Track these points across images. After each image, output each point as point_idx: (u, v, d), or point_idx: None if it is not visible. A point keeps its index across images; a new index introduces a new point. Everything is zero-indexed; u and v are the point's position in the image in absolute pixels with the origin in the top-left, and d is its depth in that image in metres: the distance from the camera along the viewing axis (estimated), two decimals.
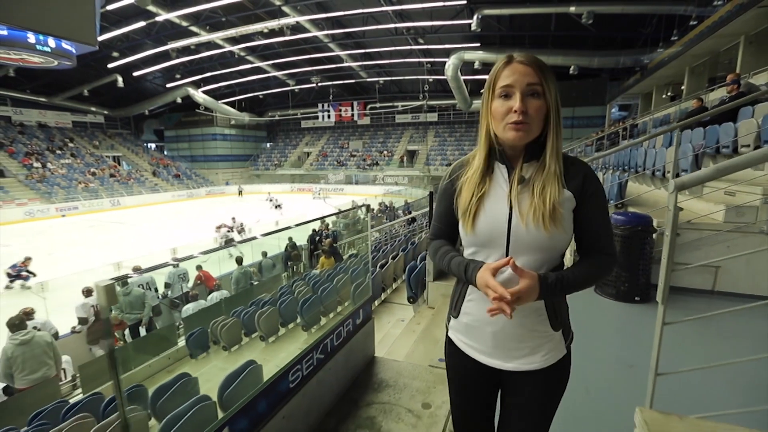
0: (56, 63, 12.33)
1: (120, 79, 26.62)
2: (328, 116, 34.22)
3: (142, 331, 4.91)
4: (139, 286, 5.41)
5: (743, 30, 9.03)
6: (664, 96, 16.04)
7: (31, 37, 11.69)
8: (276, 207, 16.97)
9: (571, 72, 19.67)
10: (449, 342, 1.05)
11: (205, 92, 31.04)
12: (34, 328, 3.69)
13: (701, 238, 2.57)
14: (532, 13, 16.10)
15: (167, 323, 5.51)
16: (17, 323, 3.45)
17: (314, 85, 29.68)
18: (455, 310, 1.01)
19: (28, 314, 4.04)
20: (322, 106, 33.92)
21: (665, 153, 3.93)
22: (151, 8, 17.69)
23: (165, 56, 24.07)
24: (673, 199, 1.11)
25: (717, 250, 2.51)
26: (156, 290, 5.95)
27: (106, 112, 34.24)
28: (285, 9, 18.45)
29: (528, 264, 0.87)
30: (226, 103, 33.24)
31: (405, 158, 32.29)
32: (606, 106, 23.39)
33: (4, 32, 11.11)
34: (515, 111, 0.83)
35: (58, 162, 27.14)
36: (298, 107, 36.02)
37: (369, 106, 33.51)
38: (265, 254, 7.80)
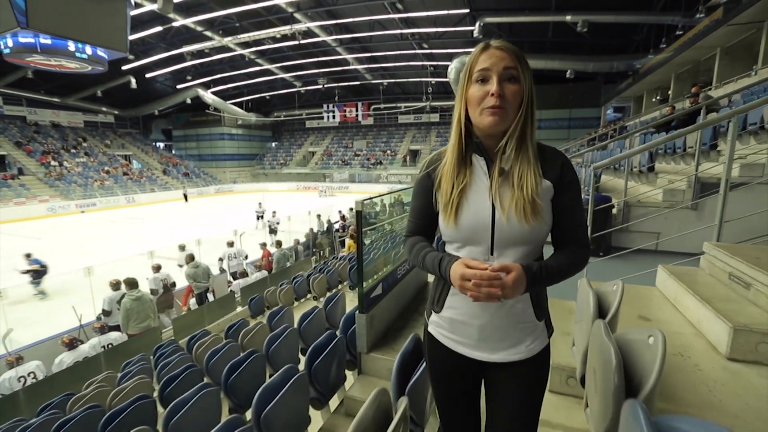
0: (90, 68, 13.33)
1: (133, 80, 27.56)
2: (333, 117, 35.21)
3: (211, 297, 5.93)
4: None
5: (719, 43, 10.08)
6: (653, 99, 17.10)
7: (71, 45, 12.63)
8: (258, 218, 14.78)
9: (567, 76, 20.71)
10: (429, 337, 1.03)
11: (214, 93, 32.02)
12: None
13: (647, 212, 3.62)
14: (531, 21, 17.14)
15: (223, 293, 6.53)
16: (132, 283, 4.48)
17: (321, 86, 30.68)
18: (437, 305, 0.99)
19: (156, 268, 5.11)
20: (328, 106, 34.92)
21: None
22: (171, 14, 18.67)
23: (177, 59, 25.05)
24: (591, 174, 2.12)
25: (658, 220, 3.55)
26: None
27: (116, 112, 35.15)
28: (297, 15, 19.45)
29: (512, 257, 0.87)
30: (233, 104, 34.22)
31: (408, 158, 33.31)
32: (601, 108, 24.44)
33: (48, 41, 12.05)
34: (492, 94, 0.82)
35: (73, 161, 28.10)
36: (304, 108, 37.02)
37: (373, 107, 34.52)
38: (296, 241, 8.82)
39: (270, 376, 2.07)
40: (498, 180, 0.87)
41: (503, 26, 19.09)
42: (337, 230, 10.11)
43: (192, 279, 5.68)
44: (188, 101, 31.67)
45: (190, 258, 6.17)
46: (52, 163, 26.48)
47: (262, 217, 15.09)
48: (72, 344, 4.49)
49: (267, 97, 36.50)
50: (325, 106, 35.11)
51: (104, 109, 34.12)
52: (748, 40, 9.38)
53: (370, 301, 2.36)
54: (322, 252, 8.93)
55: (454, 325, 0.96)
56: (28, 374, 4.18)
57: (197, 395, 1.85)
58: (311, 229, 10.15)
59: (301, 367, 1.78)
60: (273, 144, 42.52)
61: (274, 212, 11.12)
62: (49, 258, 11.44)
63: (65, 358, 4.38)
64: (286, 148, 40.63)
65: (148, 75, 28.36)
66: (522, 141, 0.85)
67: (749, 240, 2.47)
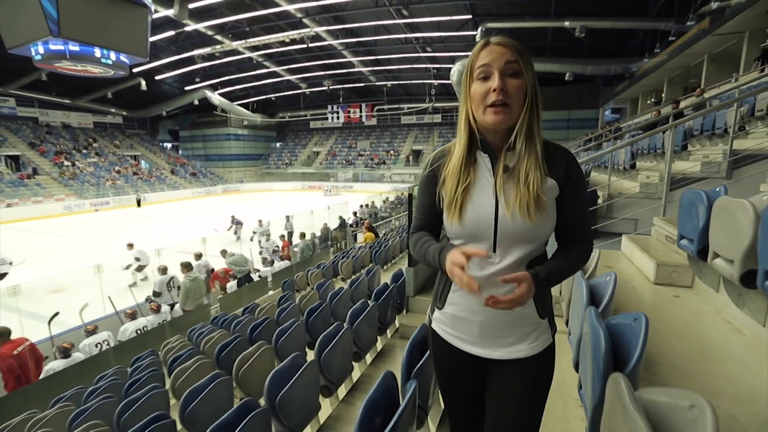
0: (113, 73, 14.05)
1: (143, 82, 28.31)
2: (338, 117, 35.95)
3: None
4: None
5: (706, 50, 10.82)
6: (648, 101, 17.83)
7: (97, 52, 13.39)
8: (235, 227, 13.32)
9: (566, 78, 21.44)
10: (433, 333, 1.05)
11: (221, 95, 32.78)
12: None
13: (627, 202, 4.35)
14: (531, 26, 17.88)
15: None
16: (188, 265, 5.22)
17: (326, 88, 31.43)
18: (440, 301, 1.00)
19: (198, 256, 5.88)
20: (332, 107, 35.66)
21: (619, 152, 5.71)
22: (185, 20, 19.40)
23: (187, 61, 25.82)
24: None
25: (636, 208, 4.29)
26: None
27: (125, 113, 35.89)
28: (305, 21, 20.20)
29: (515, 254, 0.87)
30: (240, 105, 34.99)
31: (411, 157, 34.07)
32: (599, 109, 25.18)
33: (76, 48, 12.80)
34: (494, 90, 0.81)
35: (85, 161, 28.85)
36: (309, 109, 37.78)
37: (376, 108, 35.28)
38: (314, 235, 9.56)
39: (326, 328, 2.78)
40: (502, 177, 0.86)
41: (504, 31, 19.80)
42: (351, 225, 10.88)
43: (234, 265, 6.44)
44: (196, 102, 32.44)
45: (224, 253, 7.12)
46: (65, 163, 27.24)
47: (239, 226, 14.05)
48: (134, 316, 5.25)
49: (272, 98, 37.25)
50: (329, 107, 35.87)
51: (113, 110, 34.86)
52: (732, 49, 10.11)
53: (414, 260, 3.08)
54: (338, 244, 9.68)
55: (456, 321, 0.97)
56: (103, 341, 4.93)
57: (210, 384, 1.93)
58: (325, 224, 10.91)
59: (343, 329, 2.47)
60: (278, 144, 43.29)
61: (260, 220, 11.85)
62: (77, 253, 12.21)
63: (129, 327, 5.14)
64: (290, 148, 41.39)
65: (157, 77, 29.10)
66: (529, 137, 0.85)
67: None
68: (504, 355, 0.93)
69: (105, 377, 3.67)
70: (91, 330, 4.92)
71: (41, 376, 3.75)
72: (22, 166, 26.20)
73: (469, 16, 18.26)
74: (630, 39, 18.71)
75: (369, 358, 2.41)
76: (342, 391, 2.09)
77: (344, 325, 2.06)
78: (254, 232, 12.23)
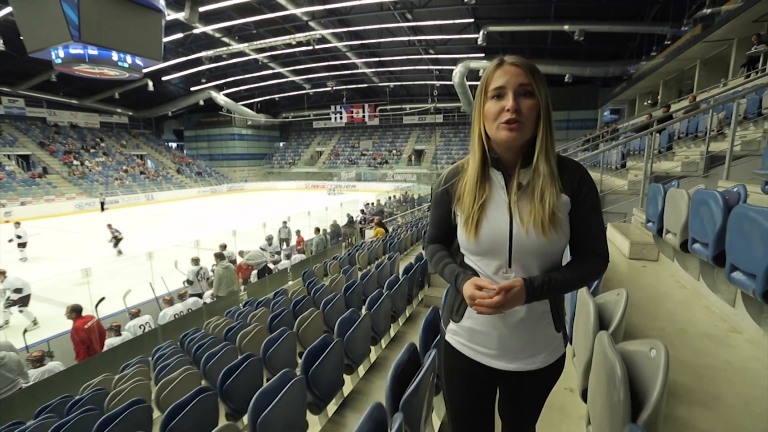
0: (128, 75, 14.58)
1: (150, 83, 28.85)
2: (341, 117, 36.46)
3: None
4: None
5: (698, 56, 11.35)
6: (645, 103, 18.36)
7: (115, 55, 13.93)
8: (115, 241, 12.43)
9: (566, 80, 21.98)
10: (447, 346, 1.05)
11: (226, 95, 33.33)
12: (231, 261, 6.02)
13: (617, 197, 4.90)
14: (531, 30, 18.41)
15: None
16: (221, 255, 5.77)
17: (329, 89, 31.97)
18: (457, 314, 1.02)
19: (223, 247, 6.43)
20: (335, 108, 36.18)
21: (611, 152, 6.26)
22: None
23: (194, 62, 26.35)
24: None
25: (624, 202, 4.83)
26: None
27: (130, 113, 36.41)
28: (311, 24, 20.72)
29: (531, 270, 0.89)
30: (244, 105, 35.53)
31: (413, 157, 34.62)
32: (598, 110, 25.71)
33: (95, 52, 13.35)
34: (508, 110, 0.83)
35: (93, 160, 29.39)
36: (312, 109, 38.33)
37: (379, 108, 35.81)
38: (324, 231, 10.11)
39: (360, 299, 3.32)
40: (516, 194, 0.88)
41: (505, 35, 20.37)
42: (359, 222, 11.45)
43: (252, 260, 7.01)
44: (201, 103, 32.98)
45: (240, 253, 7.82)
46: (74, 162, 27.78)
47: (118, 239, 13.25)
48: (171, 302, 5.80)
49: (276, 99, 37.79)
50: (332, 107, 36.39)
51: (119, 110, 35.41)
52: (722, 54, 10.64)
53: None
54: (349, 239, 10.25)
55: (474, 334, 0.98)
56: (145, 323, 5.48)
57: (194, 400, 1.89)
58: (335, 221, 11.46)
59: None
60: (281, 144, 43.84)
61: (285, 221, 11.56)
62: (93, 250, 12.76)
63: (168, 311, 5.68)
64: (293, 147, 41.94)
65: (164, 78, 29.63)
66: (543, 154, 0.87)
67: None
68: (520, 367, 0.95)
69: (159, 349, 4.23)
70: (135, 313, 5.46)
71: (104, 349, 4.30)
72: (32, 165, 26.74)
73: (471, 20, 18.80)
74: (627, 42, 19.22)
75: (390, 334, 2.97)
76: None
77: (384, 291, 2.60)
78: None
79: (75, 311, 4.01)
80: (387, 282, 2.85)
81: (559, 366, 0.99)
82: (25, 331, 4.60)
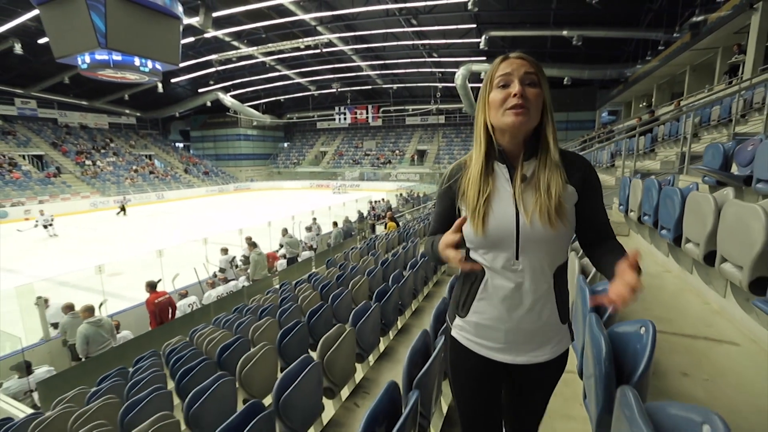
0: (147, 79, 15.39)
1: (160, 84, 29.59)
2: (345, 118, 37.23)
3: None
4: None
5: (687, 62, 12.11)
6: (640, 105, 19.12)
7: (137, 61, 14.75)
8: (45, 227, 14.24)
9: (565, 82, 22.74)
10: (453, 341, 1.05)
11: (233, 96, 34.11)
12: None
13: (606, 192, 5.67)
14: (531, 35, 19.17)
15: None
16: (254, 243, 6.54)
17: (334, 90, 32.76)
18: (463, 309, 1.01)
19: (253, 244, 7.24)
20: (339, 109, 36.95)
21: (602, 152, 7.02)
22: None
23: (203, 65, 27.13)
24: None
25: (612, 196, 5.59)
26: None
27: (138, 114, 37.17)
28: (319, 28, 21.50)
29: (537, 261, 0.90)
30: (250, 106, 36.31)
31: (416, 157, 35.41)
32: (596, 111, 26.47)
33: (119, 58, 14.15)
34: (514, 95, 0.85)
35: (104, 160, 30.16)
36: (316, 110, 39.13)
37: (382, 109, 36.59)
38: (346, 219, 10.89)
39: (355, 304, 4.09)
40: (521, 186, 0.89)
41: (506, 39, 21.10)
42: (369, 218, 12.26)
43: (290, 246, 7.78)
44: (208, 104, 33.75)
45: (285, 231, 8.55)
46: (87, 162, 28.54)
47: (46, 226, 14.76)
48: (214, 285, 6.57)
49: (281, 100, 38.57)
50: (336, 108, 37.17)
51: (127, 111, 36.16)
52: (709, 61, 11.39)
53: None
54: (364, 233, 11.04)
55: (480, 329, 0.98)
56: (192, 303, 6.24)
57: (214, 384, 2.06)
58: (347, 217, 12.24)
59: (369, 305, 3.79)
60: (285, 144, 44.64)
61: (314, 218, 12.52)
62: (116, 246, 13.51)
63: (212, 293, 6.45)
64: (298, 148, 42.73)
65: (173, 80, 30.41)
66: (546, 145, 0.89)
67: None
68: (527, 360, 0.95)
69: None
70: (183, 294, 6.23)
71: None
72: (46, 165, 27.48)
73: (474, 25, 19.57)
74: (624, 46, 19.96)
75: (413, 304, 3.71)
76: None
77: (404, 273, 3.36)
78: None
79: (150, 286, 4.76)
80: (410, 263, 3.59)
81: (565, 358, 1.00)
82: (101, 304, 5.35)
